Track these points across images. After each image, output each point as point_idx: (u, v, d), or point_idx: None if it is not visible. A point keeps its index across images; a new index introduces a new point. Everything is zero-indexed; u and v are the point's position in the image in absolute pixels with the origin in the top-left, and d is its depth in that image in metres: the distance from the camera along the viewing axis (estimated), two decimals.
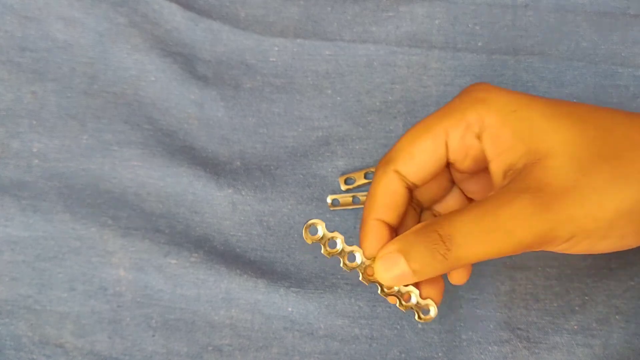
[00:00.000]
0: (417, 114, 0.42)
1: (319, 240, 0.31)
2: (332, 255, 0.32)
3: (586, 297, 0.37)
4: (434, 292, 0.32)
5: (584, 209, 0.28)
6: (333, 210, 0.40)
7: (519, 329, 0.37)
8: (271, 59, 0.44)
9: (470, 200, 0.35)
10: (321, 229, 0.31)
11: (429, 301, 0.31)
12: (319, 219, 0.32)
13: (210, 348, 0.38)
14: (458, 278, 0.33)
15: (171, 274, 0.39)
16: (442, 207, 0.35)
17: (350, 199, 0.41)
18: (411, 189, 0.32)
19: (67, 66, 0.44)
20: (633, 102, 0.41)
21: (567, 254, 0.38)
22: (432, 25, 0.44)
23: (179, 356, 0.38)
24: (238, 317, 0.38)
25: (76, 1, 0.45)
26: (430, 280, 0.31)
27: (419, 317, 0.31)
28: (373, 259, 0.31)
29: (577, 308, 0.37)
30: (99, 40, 0.45)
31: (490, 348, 0.37)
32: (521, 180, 0.28)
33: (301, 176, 0.41)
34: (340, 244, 0.32)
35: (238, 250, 0.40)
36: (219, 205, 0.41)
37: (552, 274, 0.38)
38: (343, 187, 0.41)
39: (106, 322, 0.38)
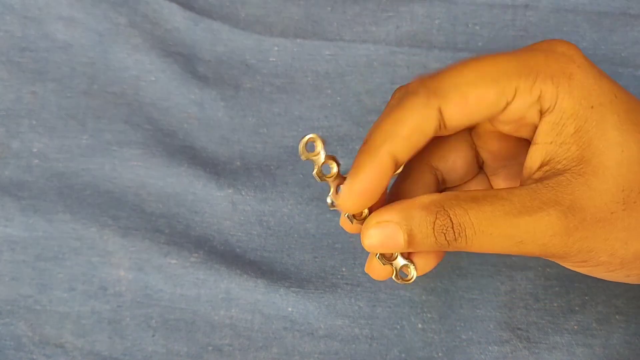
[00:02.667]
0: None
1: (314, 156, 0.28)
2: (321, 179, 0.28)
3: (586, 297, 0.37)
4: (428, 262, 0.29)
5: (606, 243, 0.26)
6: (333, 210, 0.40)
7: (519, 329, 0.37)
8: (271, 59, 0.44)
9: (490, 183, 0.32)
10: (320, 147, 0.27)
11: (409, 263, 0.29)
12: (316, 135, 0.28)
13: (210, 348, 0.38)
14: (427, 263, 0.30)
15: (171, 274, 0.39)
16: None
17: None
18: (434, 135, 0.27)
19: (67, 66, 0.44)
20: None
21: None
22: (432, 25, 0.44)
23: (179, 356, 0.38)
24: (238, 317, 0.38)
25: (76, 1, 0.45)
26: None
27: (397, 278, 0.29)
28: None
29: (577, 308, 0.37)
30: (99, 40, 0.45)
31: (490, 348, 0.37)
32: (555, 189, 0.26)
33: (301, 176, 0.41)
34: (335, 168, 0.28)
35: (238, 250, 0.40)
36: (219, 205, 0.41)
37: (552, 274, 0.38)
38: None
39: (106, 322, 0.38)
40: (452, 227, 0.26)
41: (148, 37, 0.44)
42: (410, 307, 0.38)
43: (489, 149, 0.31)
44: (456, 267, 0.39)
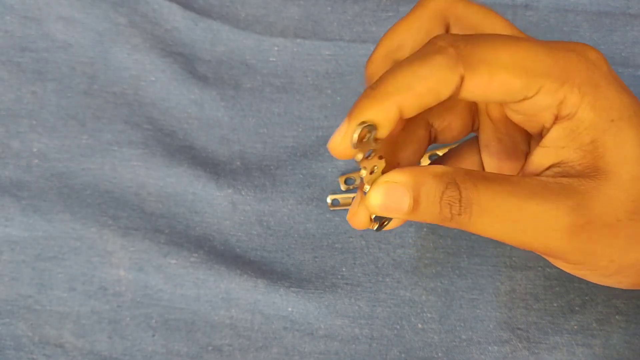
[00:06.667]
0: None
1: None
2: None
3: (586, 297, 0.37)
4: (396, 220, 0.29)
5: (608, 249, 0.26)
6: (333, 210, 0.40)
7: (519, 329, 0.37)
8: (271, 59, 0.44)
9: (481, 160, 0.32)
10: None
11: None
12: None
13: (210, 348, 0.38)
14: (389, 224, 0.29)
15: (171, 274, 0.39)
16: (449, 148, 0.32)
17: (351, 199, 0.41)
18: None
19: (67, 66, 0.44)
20: None
21: None
22: None
23: (179, 356, 0.38)
24: (238, 317, 0.38)
25: (76, 1, 0.45)
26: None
27: (374, 224, 0.28)
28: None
29: (577, 308, 0.37)
30: (99, 40, 0.45)
31: (490, 348, 0.37)
32: (566, 187, 0.26)
33: (301, 176, 0.41)
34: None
35: (238, 250, 0.40)
36: (219, 205, 0.41)
37: (552, 274, 0.38)
38: (343, 187, 0.41)
39: (106, 322, 0.39)
40: (460, 201, 0.25)
41: (148, 37, 0.44)
42: (410, 307, 0.38)
43: (491, 116, 0.31)
44: (456, 267, 0.39)
